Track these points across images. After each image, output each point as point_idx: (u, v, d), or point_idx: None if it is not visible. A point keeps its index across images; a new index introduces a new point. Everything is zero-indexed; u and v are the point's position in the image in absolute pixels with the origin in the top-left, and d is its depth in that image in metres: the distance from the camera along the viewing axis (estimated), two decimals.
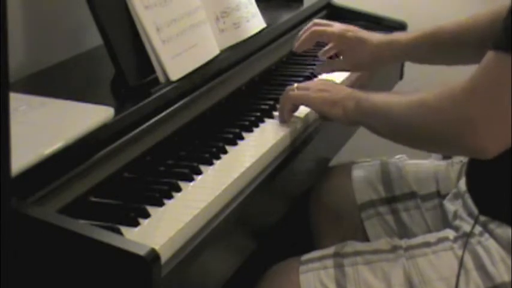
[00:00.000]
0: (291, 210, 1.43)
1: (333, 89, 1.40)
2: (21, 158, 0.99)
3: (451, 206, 1.40)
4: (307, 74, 1.68)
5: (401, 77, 2.02)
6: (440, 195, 1.50)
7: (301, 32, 1.63)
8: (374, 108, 1.31)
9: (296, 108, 1.43)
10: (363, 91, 1.37)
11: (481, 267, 1.25)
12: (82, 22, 1.44)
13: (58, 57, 1.47)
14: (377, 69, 1.67)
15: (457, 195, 1.40)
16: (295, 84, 1.43)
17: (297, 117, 1.44)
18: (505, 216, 1.26)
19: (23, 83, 1.34)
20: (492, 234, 1.27)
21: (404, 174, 1.54)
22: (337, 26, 1.61)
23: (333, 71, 1.64)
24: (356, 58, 1.58)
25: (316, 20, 1.65)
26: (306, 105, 1.43)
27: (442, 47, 1.54)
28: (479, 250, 1.26)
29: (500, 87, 1.12)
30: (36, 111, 1.16)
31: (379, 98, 1.32)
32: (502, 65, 1.11)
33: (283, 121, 1.41)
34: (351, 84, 1.62)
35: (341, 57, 1.63)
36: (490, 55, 1.14)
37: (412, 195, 1.52)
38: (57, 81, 1.39)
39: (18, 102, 1.15)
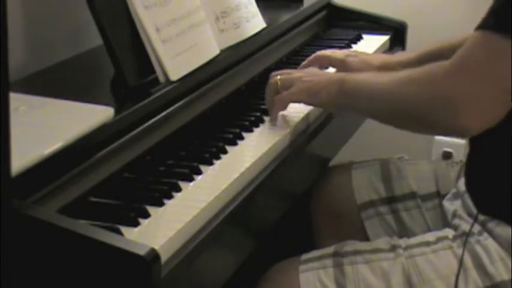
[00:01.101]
0: (291, 210, 1.43)
1: (317, 77, 1.39)
2: (21, 158, 0.99)
3: (450, 205, 1.41)
4: None
5: None
6: (440, 195, 1.50)
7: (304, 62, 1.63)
8: (357, 88, 1.31)
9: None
10: (347, 73, 1.38)
11: (480, 266, 1.25)
12: (82, 22, 1.44)
13: (58, 57, 1.47)
14: None
15: (457, 195, 1.40)
16: (278, 77, 1.41)
17: (297, 117, 1.43)
18: (504, 215, 1.26)
19: (23, 83, 1.34)
20: (491, 233, 1.27)
21: (404, 174, 1.55)
22: (339, 52, 1.63)
23: None
24: None
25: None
26: (294, 102, 1.42)
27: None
28: (478, 249, 1.26)
29: (484, 66, 1.13)
30: (36, 111, 1.16)
31: (362, 77, 1.33)
32: (487, 44, 1.13)
33: (275, 123, 1.41)
34: None
35: None
36: (475, 35, 1.16)
37: (412, 195, 1.52)
38: (57, 81, 1.39)
39: (18, 102, 1.15)
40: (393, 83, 1.25)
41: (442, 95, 1.16)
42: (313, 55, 1.62)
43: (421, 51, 1.58)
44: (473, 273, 1.25)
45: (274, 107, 1.40)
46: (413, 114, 1.22)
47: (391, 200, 1.53)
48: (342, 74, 1.37)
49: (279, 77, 1.41)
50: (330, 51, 1.65)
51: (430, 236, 1.33)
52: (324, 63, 1.61)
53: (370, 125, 1.65)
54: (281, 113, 1.42)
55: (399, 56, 1.61)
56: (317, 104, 1.40)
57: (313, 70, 1.47)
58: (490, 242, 1.26)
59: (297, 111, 1.45)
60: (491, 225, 1.27)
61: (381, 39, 1.95)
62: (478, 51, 1.15)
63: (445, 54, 1.50)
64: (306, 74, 1.41)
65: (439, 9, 2.43)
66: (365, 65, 1.57)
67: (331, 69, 1.63)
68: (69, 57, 1.49)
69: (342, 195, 1.58)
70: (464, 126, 1.16)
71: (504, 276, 1.24)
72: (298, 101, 1.41)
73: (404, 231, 1.49)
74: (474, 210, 1.31)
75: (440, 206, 1.48)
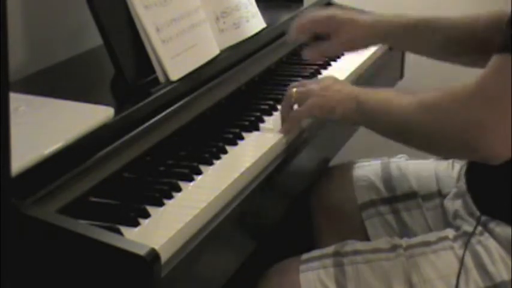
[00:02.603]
0: (291, 210, 1.43)
1: (331, 92, 1.36)
2: (21, 158, 0.99)
3: (451, 205, 1.41)
4: (307, 74, 1.68)
5: (401, 76, 2.02)
6: (441, 195, 1.50)
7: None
8: (374, 108, 1.29)
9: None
10: (363, 89, 1.35)
11: (480, 266, 1.25)
12: (82, 22, 1.44)
13: (58, 57, 1.47)
14: (368, 45, 1.62)
15: (458, 195, 1.40)
16: (294, 89, 1.39)
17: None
18: (505, 216, 1.26)
19: (23, 83, 1.34)
20: (492, 233, 1.27)
21: (405, 174, 1.54)
22: (324, 11, 1.58)
23: (322, 54, 1.63)
24: (348, 36, 1.52)
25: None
26: (308, 117, 1.41)
27: (432, 36, 1.52)
28: (479, 249, 1.26)
29: (509, 90, 1.10)
30: (36, 111, 1.16)
31: (380, 98, 1.30)
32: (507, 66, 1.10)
33: (287, 132, 1.39)
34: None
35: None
36: (498, 58, 1.13)
37: (413, 195, 1.52)
38: (57, 81, 1.39)
39: (18, 102, 1.15)
40: (416, 109, 1.21)
41: (471, 120, 1.13)
42: (298, 21, 1.54)
43: (414, 17, 1.55)
44: (473, 273, 1.25)
45: (287, 122, 1.39)
46: (439, 141, 1.20)
47: (391, 200, 1.53)
48: (357, 91, 1.34)
49: (294, 89, 1.39)
50: (314, 14, 1.57)
51: (430, 236, 1.33)
52: (313, 26, 1.54)
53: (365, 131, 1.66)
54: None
55: (391, 16, 1.56)
56: (330, 119, 1.38)
57: (329, 82, 1.40)
58: (491, 242, 1.26)
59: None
60: (492, 225, 1.27)
61: None
62: (503, 75, 1.11)
63: (435, 26, 1.52)
64: (320, 87, 1.38)
65: (439, 9, 2.43)
66: (354, 21, 1.52)
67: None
68: (69, 57, 1.49)
69: (343, 195, 1.57)
70: (493, 151, 1.14)
71: (505, 276, 1.24)
72: (313, 115, 1.40)
73: (405, 231, 1.49)
74: (475, 211, 1.31)
75: (442, 206, 1.48)
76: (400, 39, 1.54)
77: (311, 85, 1.40)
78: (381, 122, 1.29)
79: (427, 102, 1.20)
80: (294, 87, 1.40)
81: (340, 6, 2.04)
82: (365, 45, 1.59)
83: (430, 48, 1.53)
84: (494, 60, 1.13)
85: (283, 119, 1.39)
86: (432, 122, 1.19)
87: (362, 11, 1.63)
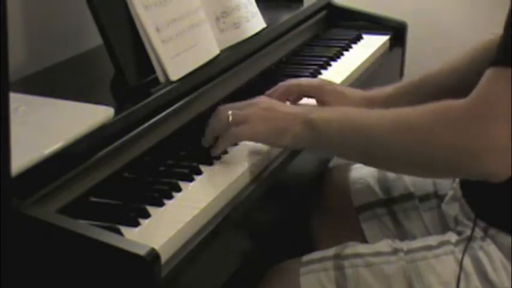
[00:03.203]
0: (291, 210, 1.43)
1: (274, 114, 1.21)
2: (21, 158, 0.99)
3: (449, 209, 1.40)
4: (307, 74, 1.68)
5: (401, 76, 2.02)
6: (437, 196, 1.49)
7: (271, 90, 1.44)
8: (340, 131, 1.17)
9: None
10: (314, 107, 1.23)
11: (481, 273, 1.24)
12: (82, 22, 1.44)
13: (58, 57, 1.47)
14: None
15: (454, 198, 1.39)
16: (229, 112, 1.22)
17: None
18: (503, 224, 1.25)
19: (23, 83, 1.34)
20: (493, 239, 1.26)
21: (401, 175, 1.54)
22: (312, 80, 1.53)
23: None
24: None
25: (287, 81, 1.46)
26: (249, 141, 1.25)
27: (430, 93, 1.43)
28: (481, 255, 1.25)
29: (504, 104, 1.05)
30: (36, 111, 1.16)
31: (339, 115, 1.18)
32: (507, 80, 1.05)
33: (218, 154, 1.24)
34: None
35: None
36: (490, 72, 1.08)
37: (410, 196, 1.51)
38: (57, 81, 1.39)
39: (18, 102, 1.15)
40: (397, 129, 1.12)
41: (468, 141, 1.06)
42: (282, 84, 1.43)
43: (399, 84, 1.49)
44: (474, 280, 1.23)
45: (222, 142, 1.23)
46: (429, 164, 1.12)
47: (388, 202, 1.52)
48: (306, 110, 1.21)
49: (230, 112, 1.22)
50: (301, 79, 1.49)
51: (432, 240, 1.32)
52: (295, 91, 1.44)
53: None
54: None
55: (376, 91, 1.48)
56: (280, 146, 1.25)
57: (270, 103, 1.24)
58: (493, 248, 1.25)
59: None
60: (493, 231, 1.26)
61: (380, 39, 1.95)
62: (495, 90, 1.06)
63: (428, 83, 1.46)
64: (261, 109, 1.22)
65: (439, 9, 2.43)
66: (342, 97, 1.43)
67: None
68: (69, 57, 1.49)
69: (339, 197, 1.57)
70: (493, 170, 1.07)
71: (506, 284, 1.23)
72: (255, 141, 1.24)
73: (403, 233, 1.48)
74: (473, 215, 1.30)
75: (438, 207, 1.47)
76: (405, 102, 1.48)
77: (248, 108, 1.23)
78: (343, 143, 1.18)
79: (415, 123, 1.11)
80: (226, 109, 1.24)
81: (340, 7, 2.05)
82: None
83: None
84: (488, 74, 1.08)
85: (215, 144, 1.24)
86: (426, 146, 1.10)
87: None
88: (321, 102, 1.45)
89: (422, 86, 1.46)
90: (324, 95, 1.43)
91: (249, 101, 1.27)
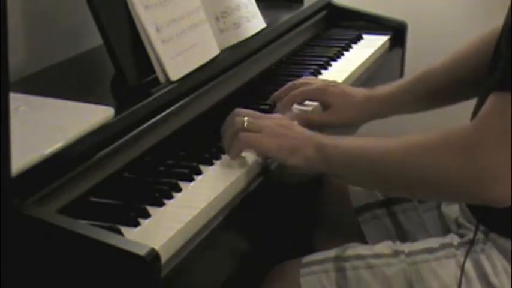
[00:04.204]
0: (291, 210, 1.43)
1: (290, 132, 1.23)
2: (21, 158, 0.99)
3: (450, 212, 1.39)
4: (307, 74, 1.68)
5: (401, 76, 2.02)
6: None
7: (276, 93, 1.48)
8: (349, 156, 1.19)
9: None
10: (326, 135, 1.25)
11: (483, 276, 1.23)
12: (82, 22, 1.44)
13: (58, 57, 1.47)
14: (361, 123, 1.57)
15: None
16: (245, 118, 1.24)
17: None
18: (503, 229, 1.24)
19: (23, 83, 1.34)
20: (494, 243, 1.25)
21: None
22: (317, 81, 1.52)
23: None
24: (340, 113, 1.45)
25: (293, 82, 1.49)
26: (258, 152, 1.26)
27: (433, 87, 1.47)
28: (482, 259, 1.24)
29: (505, 132, 1.05)
30: (36, 111, 1.16)
31: (353, 144, 1.21)
32: (506, 107, 1.05)
33: (233, 158, 1.25)
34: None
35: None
36: (495, 97, 1.07)
37: None
38: (57, 81, 1.39)
39: (18, 102, 1.15)
40: (409, 156, 1.13)
41: (478, 167, 1.06)
42: (288, 85, 1.47)
43: (401, 82, 1.50)
44: (476, 284, 1.23)
45: (236, 144, 1.23)
46: (440, 189, 1.13)
47: (387, 203, 1.52)
48: (321, 136, 1.23)
49: (246, 118, 1.24)
50: (306, 79, 1.52)
51: (433, 242, 1.31)
52: (300, 99, 1.47)
53: (365, 129, 1.66)
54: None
55: (380, 89, 1.49)
56: (288, 165, 1.24)
57: (285, 122, 1.26)
58: (494, 252, 1.24)
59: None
60: (494, 235, 1.26)
61: (380, 39, 1.95)
62: (503, 115, 1.05)
63: (436, 74, 1.47)
64: (276, 125, 1.24)
65: (439, 9, 2.43)
66: (346, 98, 1.45)
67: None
68: (69, 57, 1.49)
69: (338, 199, 1.56)
70: (506, 195, 1.07)
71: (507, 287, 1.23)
72: (264, 154, 1.25)
73: (403, 234, 1.48)
74: (473, 218, 1.29)
75: (438, 207, 1.47)
76: (414, 95, 1.48)
77: (264, 119, 1.26)
78: (359, 170, 1.19)
79: (418, 147, 1.13)
80: (242, 114, 1.26)
81: (340, 7, 2.05)
82: (361, 123, 1.56)
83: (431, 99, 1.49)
84: (492, 100, 1.08)
85: (229, 146, 1.25)
86: (419, 167, 1.11)
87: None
88: (325, 105, 1.46)
89: (429, 79, 1.47)
90: (328, 97, 1.45)
91: (267, 114, 1.30)
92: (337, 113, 1.46)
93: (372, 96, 1.47)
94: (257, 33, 1.64)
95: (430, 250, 1.29)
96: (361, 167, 1.19)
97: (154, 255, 0.94)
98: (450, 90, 1.47)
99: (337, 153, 1.20)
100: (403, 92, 1.47)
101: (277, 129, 1.23)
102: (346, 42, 1.90)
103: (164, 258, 0.98)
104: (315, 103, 1.49)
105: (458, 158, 1.08)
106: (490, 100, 1.08)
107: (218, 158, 1.27)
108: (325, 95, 1.46)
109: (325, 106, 1.47)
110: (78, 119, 1.16)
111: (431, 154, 1.11)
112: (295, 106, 1.48)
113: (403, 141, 1.16)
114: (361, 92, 1.49)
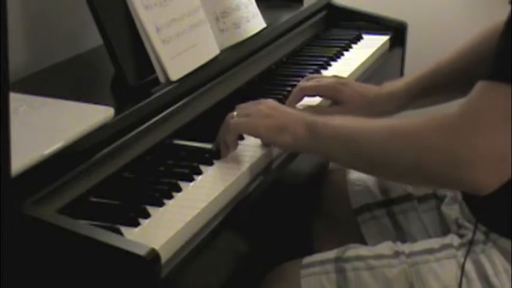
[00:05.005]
0: (291, 211, 1.43)
1: (278, 113, 1.24)
2: (21, 158, 0.99)
3: (449, 211, 1.39)
4: (307, 74, 1.68)
5: (401, 76, 2.02)
6: (436, 197, 1.49)
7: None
8: (336, 135, 1.19)
9: (240, 137, 1.29)
10: (315, 115, 1.25)
11: (483, 277, 1.23)
12: (82, 22, 1.44)
13: (58, 57, 1.47)
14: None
15: (454, 199, 1.39)
16: (234, 112, 1.28)
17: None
18: (503, 229, 1.24)
19: (23, 83, 1.34)
20: (495, 243, 1.25)
21: None
22: (328, 78, 1.53)
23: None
24: (351, 112, 1.43)
25: (306, 79, 1.51)
26: (249, 134, 1.28)
27: (441, 82, 1.48)
28: (482, 259, 1.24)
29: (497, 118, 1.06)
30: (36, 111, 1.16)
31: (341, 123, 1.20)
32: (497, 95, 1.07)
33: (226, 155, 1.26)
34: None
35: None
36: (482, 85, 1.09)
37: (408, 197, 1.50)
38: (57, 81, 1.39)
39: (18, 102, 1.15)
40: (392, 138, 1.14)
41: (458, 152, 1.07)
42: (299, 86, 1.47)
43: (408, 79, 1.50)
44: (476, 284, 1.23)
45: (228, 135, 1.26)
46: (420, 173, 1.13)
47: (387, 203, 1.51)
48: (310, 116, 1.23)
49: (235, 113, 1.28)
50: (315, 78, 1.52)
51: (434, 243, 1.31)
52: (312, 93, 1.48)
53: None
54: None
55: (389, 86, 1.50)
56: (278, 144, 1.25)
57: (275, 103, 1.29)
58: (495, 252, 1.24)
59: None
60: (494, 235, 1.25)
61: (380, 39, 1.95)
62: (488, 103, 1.07)
63: (441, 71, 1.47)
64: (265, 107, 1.25)
65: (439, 9, 2.43)
66: (359, 97, 1.46)
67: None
68: (69, 57, 1.49)
69: (338, 199, 1.56)
70: (483, 182, 1.08)
71: None
72: (254, 135, 1.27)
73: (402, 234, 1.48)
74: (473, 218, 1.29)
75: (438, 208, 1.47)
76: (423, 89, 1.49)
77: (252, 105, 1.28)
78: (344, 149, 1.20)
79: (409, 132, 1.13)
80: (237, 108, 1.29)
81: (340, 7, 2.05)
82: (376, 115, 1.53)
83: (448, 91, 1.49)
84: (479, 87, 1.09)
85: (223, 142, 1.26)
86: (418, 155, 1.12)
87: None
88: (336, 103, 1.47)
89: (440, 73, 1.47)
90: (340, 96, 1.46)
91: (254, 102, 1.31)
92: (348, 112, 1.44)
93: (381, 94, 1.48)
94: (257, 33, 1.64)
95: (430, 251, 1.29)
96: (347, 147, 1.19)
97: (154, 255, 0.94)
98: (460, 81, 1.47)
99: (327, 131, 1.20)
100: (412, 90, 1.48)
101: (266, 111, 1.25)
102: (346, 42, 1.90)
103: (164, 258, 0.99)
104: (320, 99, 1.49)
105: (445, 137, 1.09)
106: (478, 87, 1.09)
107: (218, 157, 1.27)
108: (338, 93, 1.47)
109: (336, 103, 1.48)
110: (78, 119, 1.16)
111: (415, 137, 1.12)
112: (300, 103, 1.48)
113: (388, 123, 1.18)
114: (371, 90, 1.49)
